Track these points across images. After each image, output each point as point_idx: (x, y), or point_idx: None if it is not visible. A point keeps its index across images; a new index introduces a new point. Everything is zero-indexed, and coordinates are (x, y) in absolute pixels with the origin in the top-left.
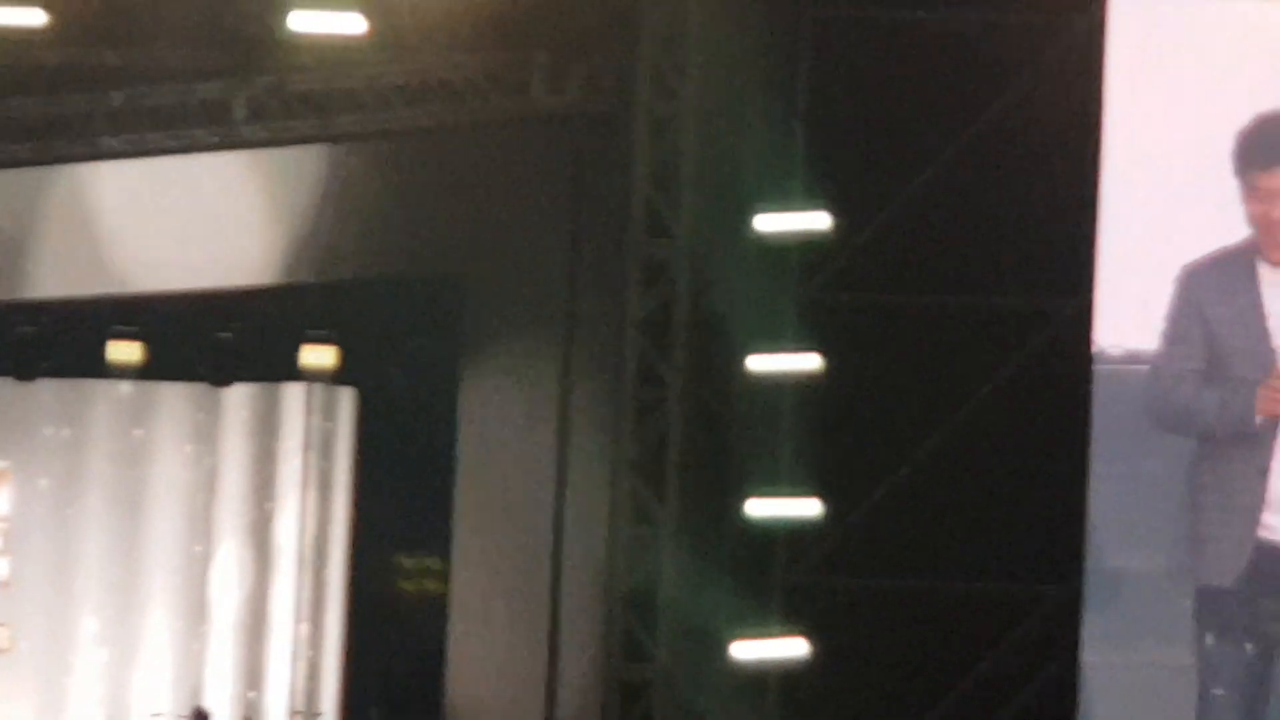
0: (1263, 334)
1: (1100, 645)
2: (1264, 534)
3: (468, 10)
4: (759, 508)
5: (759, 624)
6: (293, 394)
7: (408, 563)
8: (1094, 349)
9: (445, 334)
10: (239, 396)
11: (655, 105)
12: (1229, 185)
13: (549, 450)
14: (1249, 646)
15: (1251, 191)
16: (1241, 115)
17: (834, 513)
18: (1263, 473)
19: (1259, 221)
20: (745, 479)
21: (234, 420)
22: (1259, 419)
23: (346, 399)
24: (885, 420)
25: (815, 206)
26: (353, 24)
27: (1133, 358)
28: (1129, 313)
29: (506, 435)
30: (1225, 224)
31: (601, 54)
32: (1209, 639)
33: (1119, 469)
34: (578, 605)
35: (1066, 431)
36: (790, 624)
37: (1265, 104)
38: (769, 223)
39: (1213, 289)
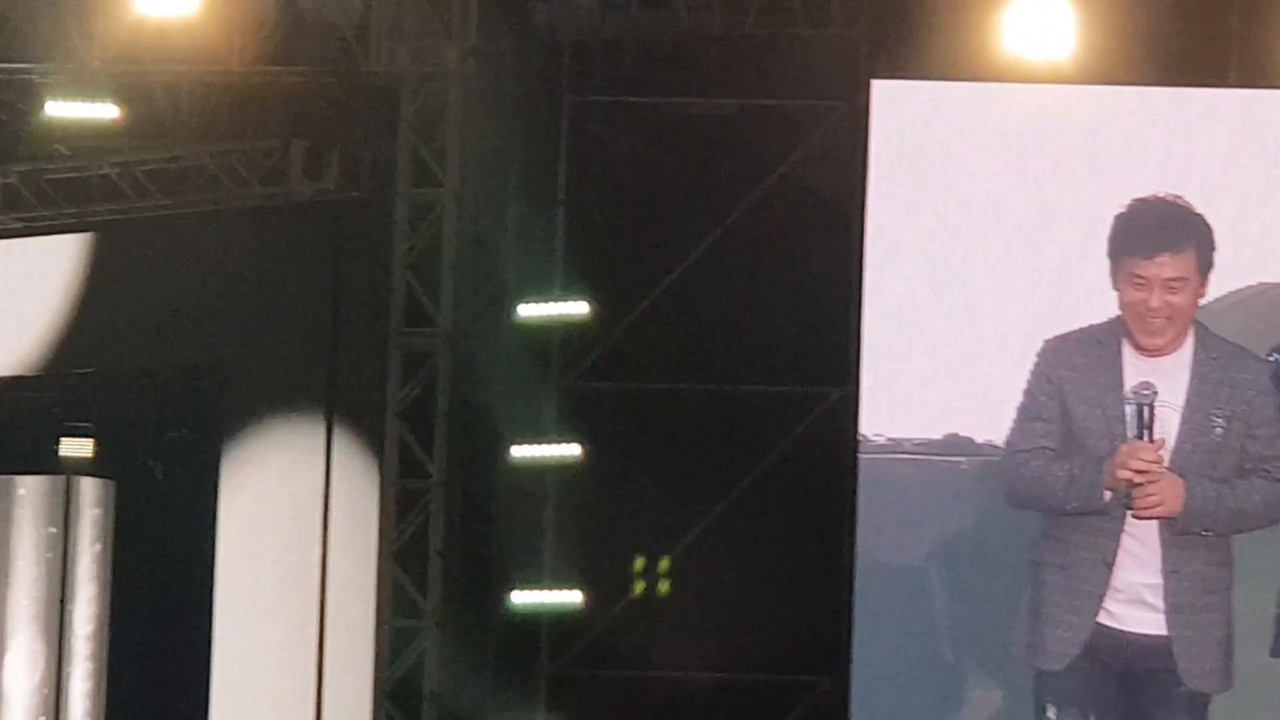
0: (1120, 416)
1: None
2: (1104, 620)
3: (224, 97)
4: (523, 598)
5: (524, 716)
6: (67, 485)
7: (169, 654)
8: (859, 436)
9: (206, 423)
10: (17, 487)
11: (415, 193)
12: (992, 269)
13: (312, 541)
14: (1093, 717)
15: (1129, 278)
16: (1006, 199)
17: (598, 603)
18: (1108, 564)
19: (1135, 308)
20: (509, 569)
21: (14, 511)
22: (1107, 495)
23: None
24: (648, 509)
25: (576, 295)
26: (107, 111)
27: (896, 445)
28: (893, 400)
29: (268, 526)
30: (993, 308)
31: (361, 141)
32: (1050, 712)
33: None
34: (342, 697)
35: (831, 519)
36: (555, 715)
37: (1030, 187)
38: (530, 311)
39: (1074, 367)
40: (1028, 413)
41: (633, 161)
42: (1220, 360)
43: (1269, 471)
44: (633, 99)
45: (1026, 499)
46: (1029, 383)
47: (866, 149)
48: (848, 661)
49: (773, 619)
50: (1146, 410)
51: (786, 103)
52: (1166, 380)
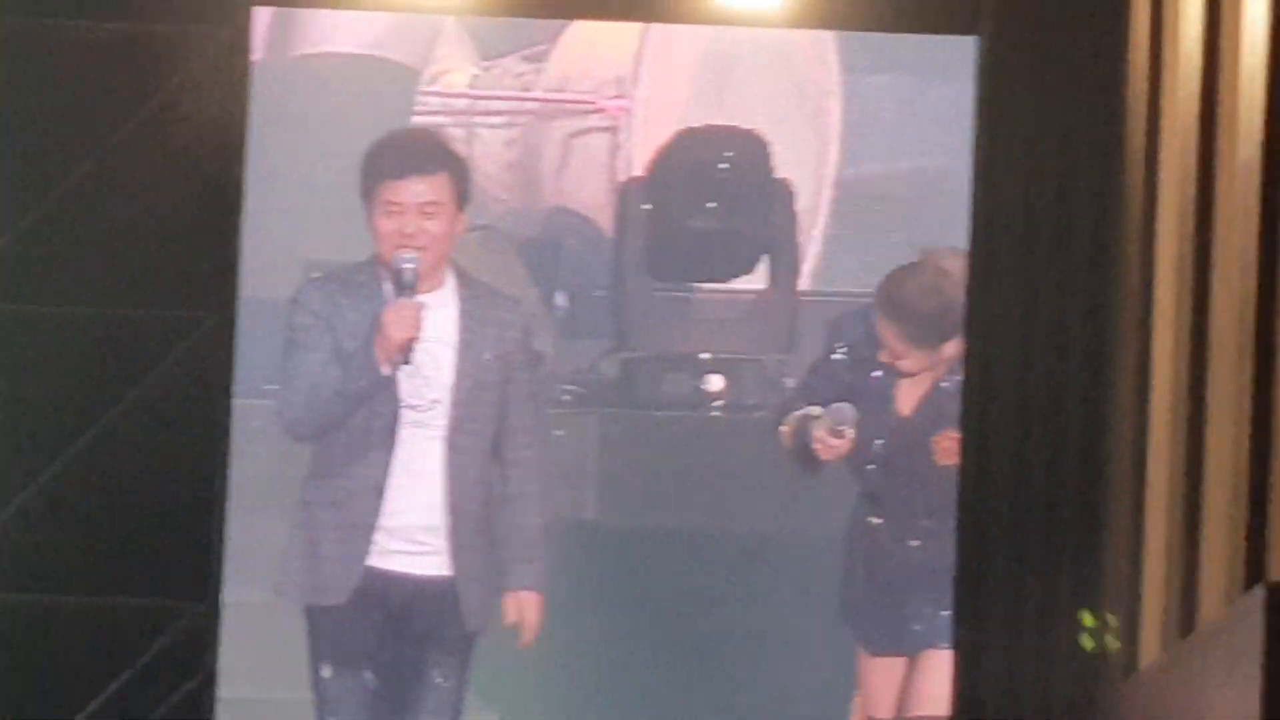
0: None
1: (237, 680)
2: (375, 554)
3: None
4: None
5: None
6: None
7: None
8: (234, 365)
9: None
10: None
11: None
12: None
13: None
14: (369, 675)
15: (383, 205)
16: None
17: None
18: (379, 490)
19: (390, 238)
20: None
21: None
22: (386, 369)
23: None
24: (22, 434)
25: None
26: None
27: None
28: (273, 327)
29: None
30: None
31: None
32: (326, 671)
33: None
34: None
35: (205, 445)
36: None
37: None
38: None
39: (339, 305)
40: (297, 347)
41: (18, 83)
42: (483, 299)
43: None
44: (20, 19)
45: (307, 420)
46: (294, 320)
47: (248, 74)
48: (218, 590)
49: (145, 545)
50: (408, 272)
51: (167, 25)
52: (434, 315)
